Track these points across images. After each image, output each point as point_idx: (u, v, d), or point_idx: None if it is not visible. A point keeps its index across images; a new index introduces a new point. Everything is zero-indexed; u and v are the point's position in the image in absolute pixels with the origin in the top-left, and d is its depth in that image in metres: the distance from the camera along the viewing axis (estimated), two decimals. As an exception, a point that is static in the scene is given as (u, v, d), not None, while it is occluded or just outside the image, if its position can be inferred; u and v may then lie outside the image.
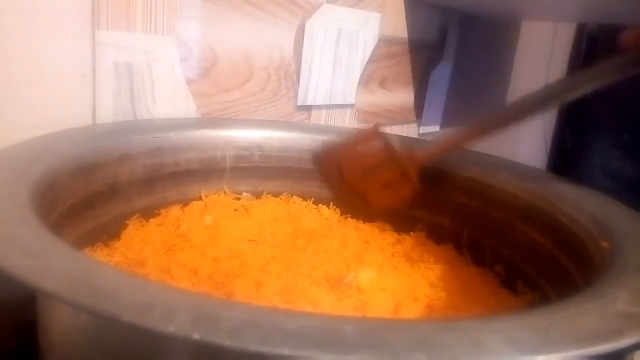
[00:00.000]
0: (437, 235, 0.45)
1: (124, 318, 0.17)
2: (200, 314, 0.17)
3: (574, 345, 0.18)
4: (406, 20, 0.70)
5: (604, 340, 0.19)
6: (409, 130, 0.79)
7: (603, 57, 0.33)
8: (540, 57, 1.07)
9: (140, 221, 0.39)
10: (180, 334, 0.16)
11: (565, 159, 1.00)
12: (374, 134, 0.40)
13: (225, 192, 0.46)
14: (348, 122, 0.67)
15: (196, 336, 0.16)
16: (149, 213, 0.40)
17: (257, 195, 0.48)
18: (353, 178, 0.38)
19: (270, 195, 0.48)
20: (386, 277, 0.36)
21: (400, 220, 0.46)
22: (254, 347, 0.16)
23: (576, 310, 0.21)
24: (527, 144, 1.13)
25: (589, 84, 0.34)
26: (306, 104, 0.60)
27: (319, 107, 0.62)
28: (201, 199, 0.44)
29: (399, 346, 0.17)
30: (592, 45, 0.90)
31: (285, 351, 0.16)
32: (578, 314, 0.21)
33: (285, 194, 0.48)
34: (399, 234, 0.46)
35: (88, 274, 0.19)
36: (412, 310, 0.33)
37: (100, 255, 0.35)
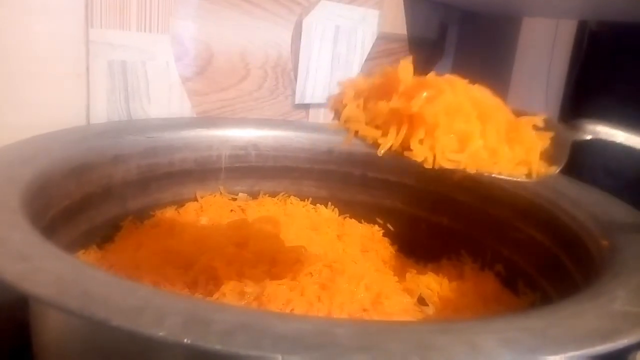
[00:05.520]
0: (437, 234, 0.44)
1: (113, 322, 0.16)
2: (190, 318, 0.17)
3: (571, 346, 0.18)
4: (405, 17, 0.70)
5: (601, 341, 0.18)
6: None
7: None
8: (541, 54, 1.07)
9: (135, 223, 0.39)
10: (170, 338, 0.16)
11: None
12: None
13: (221, 193, 0.46)
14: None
15: (187, 340, 0.16)
16: (143, 214, 0.40)
17: (254, 195, 0.47)
18: None
19: (267, 195, 0.47)
20: (383, 277, 0.36)
21: (399, 219, 0.46)
22: (245, 351, 0.16)
23: (574, 310, 0.21)
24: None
25: None
26: (304, 102, 0.59)
27: (317, 105, 0.62)
28: (197, 200, 0.44)
29: (393, 349, 0.17)
30: (594, 43, 0.89)
31: (278, 355, 0.16)
32: (575, 314, 0.20)
33: (282, 194, 0.48)
34: (398, 233, 0.45)
35: (78, 277, 0.19)
36: (410, 312, 0.33)
37: (93, 258, 0.34)
